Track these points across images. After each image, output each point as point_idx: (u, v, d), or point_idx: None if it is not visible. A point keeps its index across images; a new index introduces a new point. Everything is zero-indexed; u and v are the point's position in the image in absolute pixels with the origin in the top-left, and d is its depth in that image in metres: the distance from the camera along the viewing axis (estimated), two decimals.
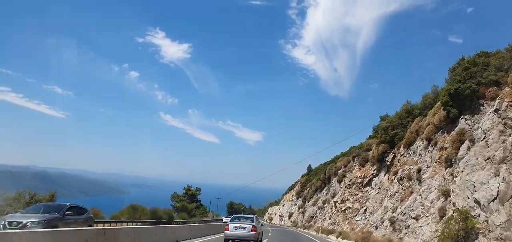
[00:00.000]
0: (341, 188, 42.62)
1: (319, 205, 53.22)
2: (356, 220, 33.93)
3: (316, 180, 63.50)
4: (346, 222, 35.13)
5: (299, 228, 56.49)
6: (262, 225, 30.33)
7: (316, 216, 52.37)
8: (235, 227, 17.69)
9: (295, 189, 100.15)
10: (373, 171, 35.69)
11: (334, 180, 49.64)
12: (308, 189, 67.96)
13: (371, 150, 38.82)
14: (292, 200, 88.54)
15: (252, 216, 21.15)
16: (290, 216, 75.33)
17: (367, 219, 32.80)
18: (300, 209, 65.96)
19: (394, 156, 32.47)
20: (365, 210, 33.79)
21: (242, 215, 21.55)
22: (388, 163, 33.02)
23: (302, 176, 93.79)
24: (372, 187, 34.92)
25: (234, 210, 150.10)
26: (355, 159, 40.82)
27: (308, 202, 62.63)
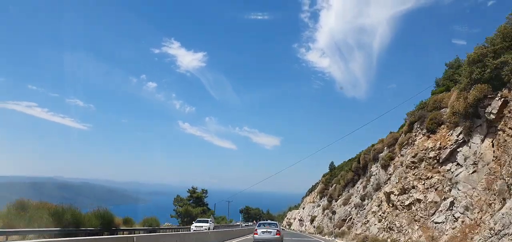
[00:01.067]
0: (389, 173, 27.76)
1: (354, 203, 38.29)
2: (437, 222, 19.02)
3: (346, 171, 48.52)
4: (416, 226, 20.20)
5: (326, 236, 41.56)
6: (283, 229, 30.80)
7: (351, 218, 37.45)
8: (262, 231, 21.08)
9: (316, 189, 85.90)
10: (457, 136, 20.71)
11: (374, 167, 34.73)
12: (335, 185, 53.03)
13: (443, 107, 23.91)
14: (313, 202, 73.54)
15: (275, 222, 27.15)
16: (312, 220, 60.40)
17: (460, 219, 17.85)
18: (326, 211, 51.07)
19: (506, 101, 17.59)
20: (452, 203, 18.85)
21: (267, 221, 27.76)
22: (493, 116, 18.09)
23: (324, 175, 79.96)
24: (458, 163, 19.96)
25: (250, 215, 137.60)
26: (417, 126, 25.81)
27: (336, 201, 47.78)
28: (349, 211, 38.84)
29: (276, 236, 20.41)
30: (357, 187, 39.94)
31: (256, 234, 20.78)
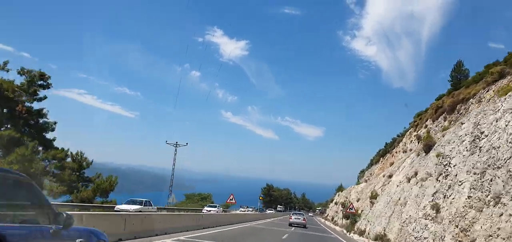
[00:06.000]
0: None
1: None
2: None
3: None
4: None
5: None
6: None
7: None
8: (295, 217, 35.66)
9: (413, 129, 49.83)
10: None
11: None
12: None
13: None
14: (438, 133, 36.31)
15: (302, 212, 49.65)
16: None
17: None
18: None
19: None
20: None
21: (297, 211, 49.80)
22: None
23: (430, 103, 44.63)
24: None
25: (272, 198, 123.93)
26: None
27: None
28: None
29: (302, 221, 34.86)
30: None
31: (291, 219, 35.53)
